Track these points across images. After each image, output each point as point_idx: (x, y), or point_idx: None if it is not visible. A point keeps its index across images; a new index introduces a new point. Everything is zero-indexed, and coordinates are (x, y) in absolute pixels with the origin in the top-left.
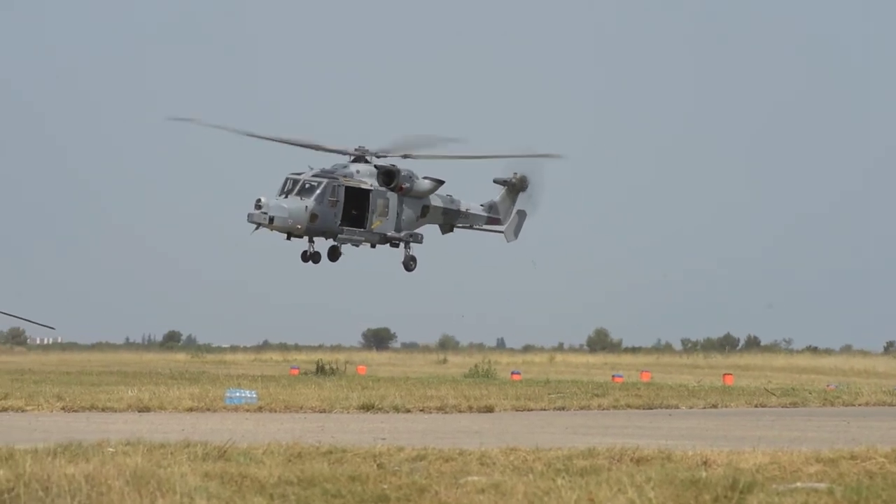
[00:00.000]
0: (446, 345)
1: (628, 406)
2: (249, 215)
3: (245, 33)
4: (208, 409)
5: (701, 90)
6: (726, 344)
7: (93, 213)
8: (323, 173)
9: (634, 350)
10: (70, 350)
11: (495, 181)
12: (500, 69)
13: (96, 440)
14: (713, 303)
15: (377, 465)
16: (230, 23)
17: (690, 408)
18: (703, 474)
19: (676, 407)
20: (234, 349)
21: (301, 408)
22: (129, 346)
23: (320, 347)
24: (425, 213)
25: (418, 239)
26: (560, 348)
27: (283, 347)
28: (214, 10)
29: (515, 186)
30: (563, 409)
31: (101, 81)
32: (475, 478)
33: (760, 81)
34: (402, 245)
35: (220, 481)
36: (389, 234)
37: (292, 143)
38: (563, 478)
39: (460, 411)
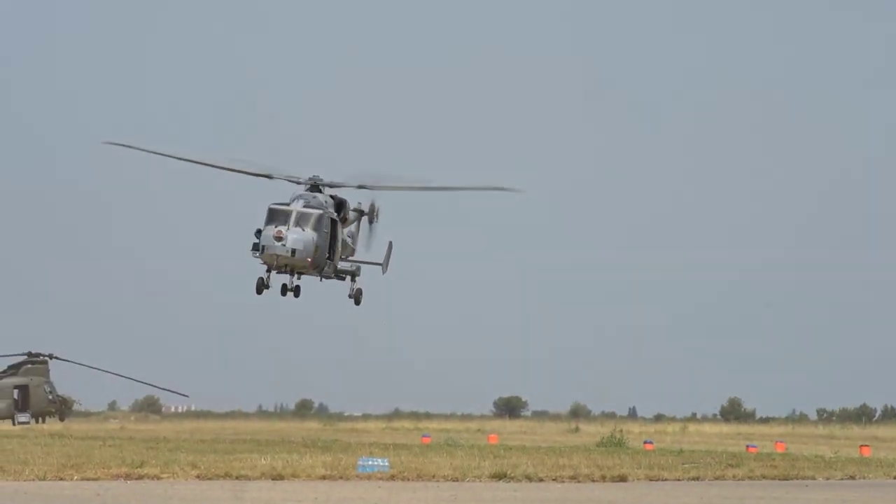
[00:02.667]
0: (578, 413)
1: (763, 477)
2: (265, 248)
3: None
4: (341, 478)
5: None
6: (863, 415)
7: (224, 282)
8: (310, 204)
9: (768, 420)
10: (204, 418)
11: None
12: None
13: None
14: (849, 373)
15: None
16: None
17: (827, 479)
18: None
19: (813, 478)
20: (365, 417)
21: (433, 476)
22: (261, 414)
23: (451, 416)
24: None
25: (359, 272)
26: (693, 418)
27: (415, 416)
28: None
29: (363, 214)
30: (698, 479)
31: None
32: None
33: None
34: (348, 278)
35: None
36: (340, 266)
37: (246, 173)
38: None
39: (593, 480)
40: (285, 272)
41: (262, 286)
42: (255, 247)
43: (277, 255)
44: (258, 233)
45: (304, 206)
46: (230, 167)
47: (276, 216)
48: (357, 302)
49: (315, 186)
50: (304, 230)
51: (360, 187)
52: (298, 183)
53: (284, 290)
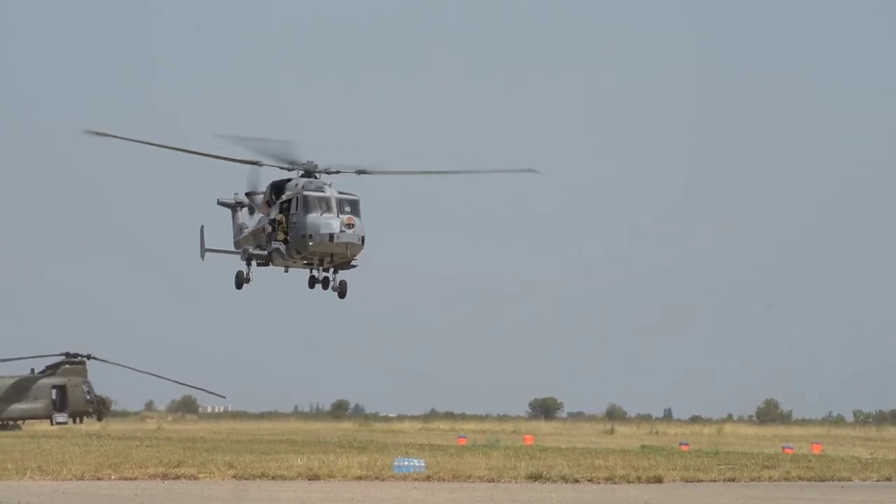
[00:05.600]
0: (614, 414)
1: (799, 478)
2: (335, 235)
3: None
4: (377, 478)
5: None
6: None
7: (260, 282)
8: (340, 190)
9: (804, 422)
10: (240, 419)
11: (220, 203)
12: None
13: None
14: (886, 375)
15: None
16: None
17: (864, 480)
18: None
19: (849, 479)
20: (401, 418)
21: (469, 477)
22: (297, 414)
23: (487, 417)
24: None
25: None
26: (729, 419)
27: (450, 416)
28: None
29: (238, 205)
30: (734, 480)
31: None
32: None
33: None
34: (331, 270)
35: None
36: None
37: (233, 160)
38: None
39: (629, 482)
40: (320, 264)
41: (242, 281)
42: (285, 239)
43: (349, 244)
44: (275, 223)
45: (339, 192)
46: (217, 154)
47: (318, 203)
48: (342, 295)
49: (309, 172)
50: (353, 216)
51: (361, 172)
52: (290, 169)
53: (313, 282)
